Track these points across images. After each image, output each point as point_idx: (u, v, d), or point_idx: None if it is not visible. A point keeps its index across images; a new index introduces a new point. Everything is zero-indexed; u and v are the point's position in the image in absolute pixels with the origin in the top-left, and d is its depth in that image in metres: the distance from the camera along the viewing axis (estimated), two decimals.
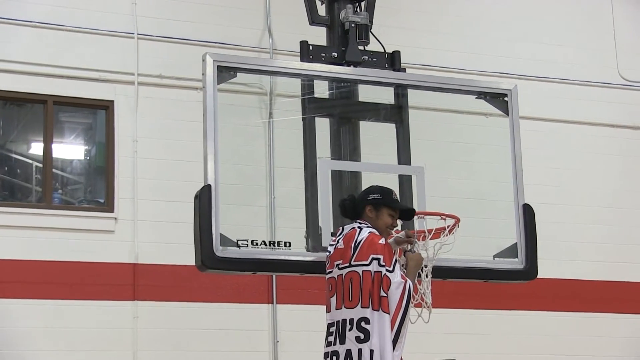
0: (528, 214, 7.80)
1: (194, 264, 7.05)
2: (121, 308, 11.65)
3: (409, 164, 7.73)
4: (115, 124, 12.05)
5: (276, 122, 12.17)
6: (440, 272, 7.26)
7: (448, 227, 7.10)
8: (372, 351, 6.20)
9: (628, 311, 13.76)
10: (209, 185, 6.99)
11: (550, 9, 14.51)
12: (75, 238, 11.63)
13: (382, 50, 7.93)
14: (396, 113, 7.89)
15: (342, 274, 6.43)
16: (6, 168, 12.14)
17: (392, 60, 7.92)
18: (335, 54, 7.75)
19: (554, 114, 13.98)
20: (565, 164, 13.91)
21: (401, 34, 12.69)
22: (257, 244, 7.12)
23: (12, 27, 11.86)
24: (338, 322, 6.38)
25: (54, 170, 11.99)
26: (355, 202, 6.68)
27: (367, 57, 7.82)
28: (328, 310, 6.51)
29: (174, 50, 12.43)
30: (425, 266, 6.98)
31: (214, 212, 6.94)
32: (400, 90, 7.89)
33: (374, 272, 6.30)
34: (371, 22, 7.94)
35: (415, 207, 7.17)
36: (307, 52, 7.69)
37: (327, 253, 6.65)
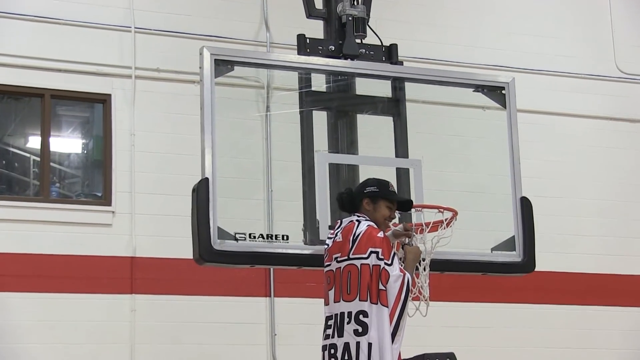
0: (526, 207, 7.81)
1: (191, 257, 7.05)
2: (119, 301, 11.65)
3: (407, 157, 7.74)
4: (113, 118, 12.04)
5: (273, 115, 12.18)
6: (438, 265, 7.27)
7: (446, 220, 7.11)
8: (370, 344, 6.21)
9: (626, 304, 13.77)
10: (207, 179, 6.99)
11: (547, 1, 14.51)
12: (72, 231, 11.63)
13: (380, 44, 7.93)
14: (393, 106, 7.89)
15: (340, 267, 6.44)
16: (4, 162, 12.13)
17: (390, 54, 7.92)
18: (333, 47, 7.75)
19: (552, 106, 13.98)
20: (563, 157, 13.91)
21: (398, 27, 12.68)
22: (254, 237, 7.13)
23: (9, 21, 11.84)
24: (336, 315, 6.38)
25: (51, 163, 11.98)
26: (352, 196, 6.68)
27: (364, 50, 7.82)
28: (326, 304, 6.52)
29: (171, 43, 12.42)
30: (423, 259, 6.99)
31: (211, 206, 6.95)
32: (398, 84, 7.90)
33: (373, 265, 6.31)
34: (368, 15, 7.94)
35: (413, 200, 7.16)
36: (304, 45, 7.69)
37: (326, 246, 6.66)
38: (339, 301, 6.39)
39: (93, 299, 11.57)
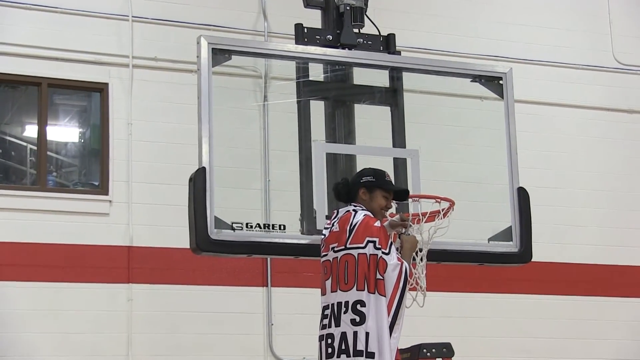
0: (523, 197, 7.82)
1: (188, 246, 7.05)
2: (116, 291, 11.66)
3: (404, 147, 7.74)
4: (110, 107, 12.02)
5: (271, 105, 12.15)
6: (435, 256, 7.27)
7: (443, 210, 7.10)
8: (367, 334, 6.21)
9: (622, 295, 13.79)
10: (204, 168, 6.98)
11: None
12: (69, 221, 11.62)
13: (377, 33, 7.92)
14: (391, 96, 7.89)
15: (337, 257, 6.43)
16: (0, 151, 12.11)
17: (387, 43, 7.91)
18: (330, 37, 7.74)
19: (549, 97, 13.97)
20: (560, 147, 13.92)
21: (396, 17, 12.67)
22: (251, 226, 7.12)
23: (6, 9, 11.81)
24: (333, 304, 6.38)
25: (48, 152, 11.97)
26: (349, 186, 6.68)
27: (362, 40, 7.82)
28: (323, 293, 6.52)
29: (168, 32, 12.39)
30: (420, 250, 6.99)
31: (208, 195, 6.95)
32: (395, 73, 7.90)
33: (370, 254, 6.31)
34: (366, 4, 7.93)
35: (410, 190, 7.17)
36: (302, 34, 7.68)
37: (322, 236, 6.65)
38: (335, 291, 6.39)
39: (90, 288, 11.57)
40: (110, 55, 12.14)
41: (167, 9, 12.45)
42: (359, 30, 7.85)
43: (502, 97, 7.99)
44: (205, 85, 7.13)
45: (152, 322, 11.71)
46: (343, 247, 6.42)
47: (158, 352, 11.68)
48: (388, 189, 6.65)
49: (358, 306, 6.26)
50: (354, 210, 6.53)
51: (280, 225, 7.24)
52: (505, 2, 14.26)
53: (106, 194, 11.85)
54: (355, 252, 6.35)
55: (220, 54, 7.27)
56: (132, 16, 12.25)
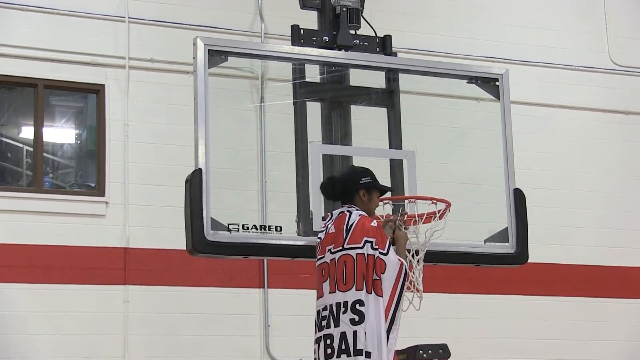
0: (519, 199, 7.81)
1: (185, 248, 7.04)
2: (112, 292, 11.65)
3: (400, 148, 7.73)
4: (106, 108, 12.02)
5: (267, 106, 12.16)
6: (431, 257, 7.26)
7: (439, 211, 7.10)
8: (366, 333, 6.22)
9: (621, 296, 13.80)
10: (200, 170, 6.98)
11: None
12: (66, 222, 11.62)
13: (374, 35, 7.92)
14: (387, 97, 7.88)
15: (335, 258, 6.44)
16: None
17: (384, 45, 7.91)
18: (327, 38, 7.73)
19: (546, 98, 13.98)
20: (556, 148, 13.93)
21: (392, 18, 12.68)
22: (248, 228, 7.11)
23: (2, 11, 11.81)
24: (331, 305, 6.38)
25: (44, 154, 11.96)
26: (345, 186, 6.68)
27: (358, 41, 7.81)
28: (320, 296, 6.51)
29: (165, 34, 12.40)
30: (417, 253, 6.99)
31: (204, 197, 6.93)
32: (392, 75, 7.89)
33: (367, 254, 6.33)
34: (362, 6, 7.92)
35: (407, 191, 7.18)
36: (299, 36, 7.68)
37: (318, 239, 6.65)
38: (334, 292, 6.39)
39: (86, 290, 11.57)
40: (107, 56, 12.14)
41: (163, 11, 12.46)
42: (355, 32, 7.84)
43: (498, 99, 7.98)
44: (201, 87, 7.12)
45: (148, 323, 11.71)
46: (340, 248, 6.43)
47: (155, 353, 11.67)
48: (384, 189, 6.72)
49: (357, 306, 6.27)
50: (348, 211, 6.55)
51: (276, 227, 7.22)
52: (502, 3, 14.27)
53: (102, 195, 11.84)
54: (353, 253, 6.36)
55: (216, 55, 7.26)
56: (129, 17, 12.25)
